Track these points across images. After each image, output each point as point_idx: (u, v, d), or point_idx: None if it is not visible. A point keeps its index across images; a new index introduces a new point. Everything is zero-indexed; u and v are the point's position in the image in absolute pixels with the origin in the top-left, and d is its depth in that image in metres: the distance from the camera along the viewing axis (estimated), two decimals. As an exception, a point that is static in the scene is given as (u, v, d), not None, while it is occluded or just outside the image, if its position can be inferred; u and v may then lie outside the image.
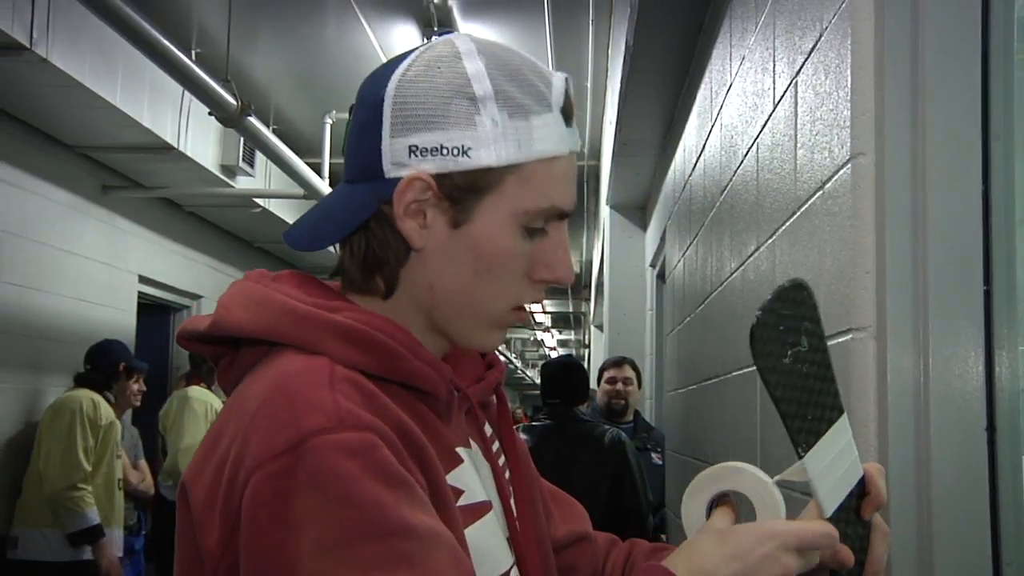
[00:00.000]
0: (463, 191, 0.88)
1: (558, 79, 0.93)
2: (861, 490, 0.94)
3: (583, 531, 1.18)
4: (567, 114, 0.92)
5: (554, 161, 0.91)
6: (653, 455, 4.58)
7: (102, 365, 4.79)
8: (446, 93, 0.88)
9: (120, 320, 6.18)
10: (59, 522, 4.39)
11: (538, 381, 4.44)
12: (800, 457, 0.86)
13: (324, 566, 0.73)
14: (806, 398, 0.87)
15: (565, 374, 4.04)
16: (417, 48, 0.93)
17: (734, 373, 2.46)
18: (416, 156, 0.88)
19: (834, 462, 0.90)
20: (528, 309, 0.99)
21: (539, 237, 0.92)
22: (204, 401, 5.36)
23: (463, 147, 0.87)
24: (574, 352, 23.67)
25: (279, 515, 0.75)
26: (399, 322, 0.90)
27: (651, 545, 1.18)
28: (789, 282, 0.89)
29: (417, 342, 0.89)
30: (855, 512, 0.93)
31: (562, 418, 3.93)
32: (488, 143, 0.87)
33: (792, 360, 0.87)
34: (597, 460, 3.81)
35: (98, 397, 4.65)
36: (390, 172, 0.89)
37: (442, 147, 0.87)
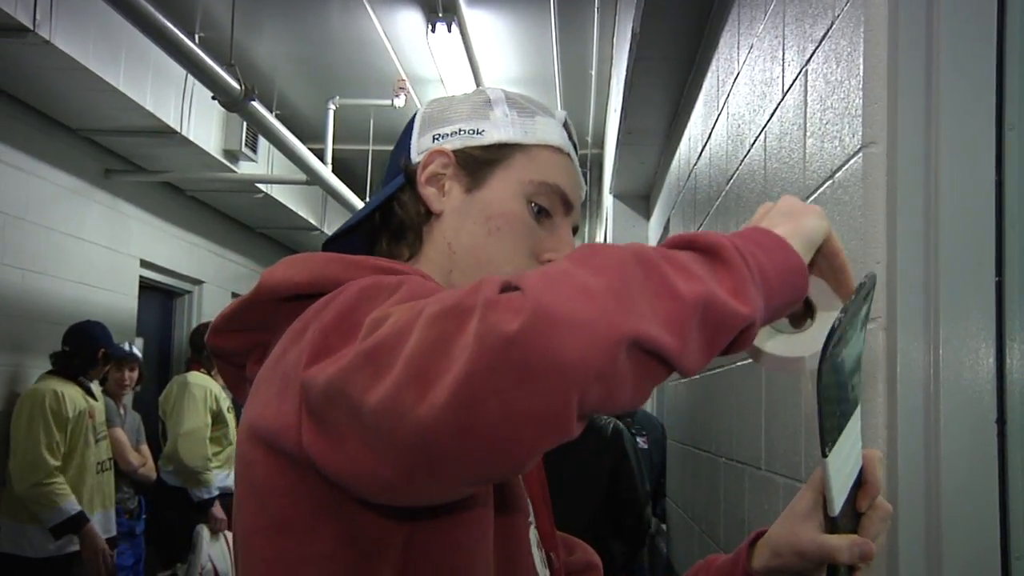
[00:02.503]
0: (477, 161, 1.02)
1: (560, 110, 1.09)
2: (859, 479, 0.93)
3: (595, 561, 1.21)
4: (569, 133, 1.08)
5: (558, 153, 1.05)
6: (638, 439, 4.55)
7: (80, 349, 4.67)
8: (465, 99, 1.07)
9: (122, 304, 6.17)
10: (37, 519, 4.32)
11: None
12: (824, 456, 0.84)
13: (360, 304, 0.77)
14: (841, 395, 0.85)
15: None
16: None
17: (738, 363, 2.45)
18: (439, 140, 1.04)
19: (846, 457, 0.89)
20: None
21: (546, 220, 1.03)
22: (203, 387, 5.33)
23: (478, 128, 1.03)
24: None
25: (316, 308, 0.81)
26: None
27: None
28: (867, 277, 0.87)
29: None
30: (852, 504, 0.92)
31: None
32: (499, 127, 1.03)
33: (842, 359, 0.85)
34: (596, 451, 3.74)
35: (65, 386, 4.51)
36: (417, 158, 1.04)
37: (461, 130, 1.04)
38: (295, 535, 0.80)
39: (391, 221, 1.04)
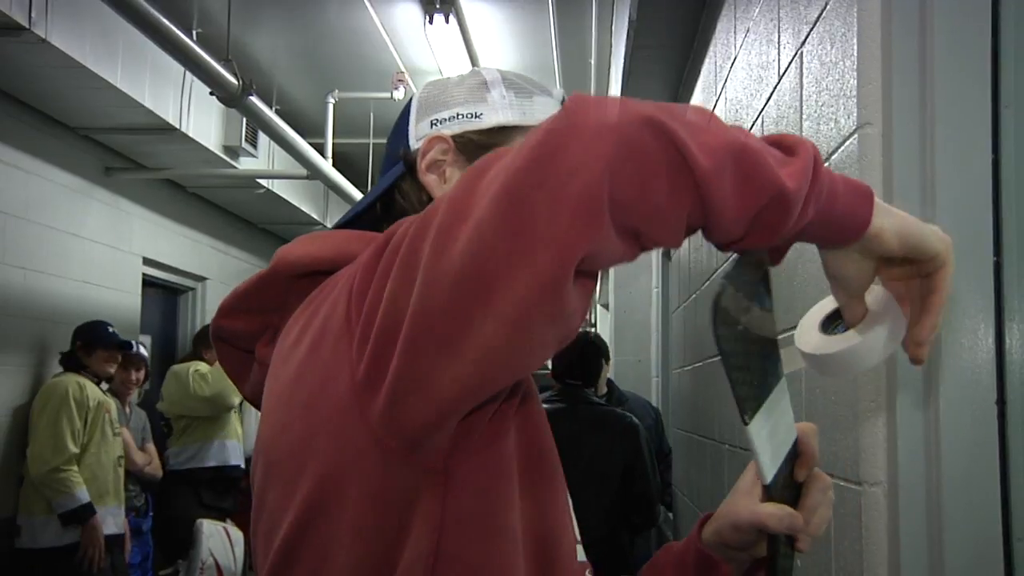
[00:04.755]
0: (477, 146, 1.00)
1: (558, 88, 1.08)
2: (794, 451, 0.93)
3: None
4: None
5: None
6: None
7: (71, 347, 4.82)
8: (461, 82, 1.05)
9: (125, 302, 6.17)
10: (49, 504, 4.42)
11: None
12: (745, 424, 0.85)
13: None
14: (755, 364, 0.87)
15: (582, 354, 3.82)
16: None
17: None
18: (437, 125, 1.03)
19: (774, 427, 0.90)
20: None
21: None
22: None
23: (476, 112, 1.02)
24: (580, 330, 23.64)
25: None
26: None
27: None
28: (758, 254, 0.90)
29: None
30: (790, 475, 0.93)
31: (576, 400, 3.73)
32: (497, 110, 1.02)
33: (745, 328, 0.88)
34: (610, 446, 3.64)
35: (83, 379, 4.66)
36: (416, 145, 1.03)
37: (459, 115, 1.02)
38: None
39: (393, 210, 1.02)
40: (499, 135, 1.01)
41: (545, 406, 3.57)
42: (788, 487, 0.93)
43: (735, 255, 0.86)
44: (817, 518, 0.94)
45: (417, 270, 0.70)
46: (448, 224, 0.68)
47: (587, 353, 3.85)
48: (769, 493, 0.92)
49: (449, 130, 1.02)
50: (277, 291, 0.94)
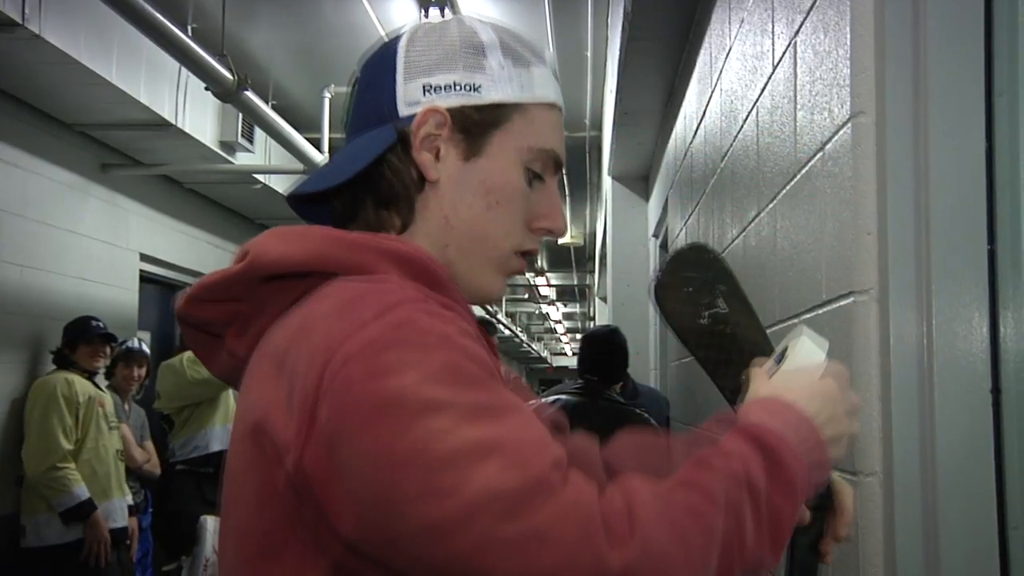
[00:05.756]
0: (475, 124, 0.95)
1: (549, 50, 0.99)
2: (826, 501, 0.97)
3: None
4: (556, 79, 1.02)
5: (551, 109, 0.99)
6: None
7: (61, 345, 4.83)
8: (455, 42, 0.96)
9: (123, 299, 6.17)
10: (48, 504, 4.42)
11: (544, 354, 4.24)
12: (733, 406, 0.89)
13: (428, 401, 0.74)
14: (736, 357, 0.92)
15: (609, 350, 3.71)
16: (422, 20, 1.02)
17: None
18: (431, 93, 0.95)
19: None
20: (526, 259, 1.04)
21: (538, 185, 0.98)
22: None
23: (474, 84, 0.95)
24: (579, 324, 23.63)
25: (374, 366, 0.75)
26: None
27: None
28: (686, 244, 0.93)
29: (453, 277, 0.93)
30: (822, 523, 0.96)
31: (596, 396, 3.61)
32: (496, 82, 0.96)
33: (711, 321, 0.92)
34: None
35: (72, 375, 4.66)
36: (405, 111, 0.95)
37: (455, 84, 0.95)
38: (280, 560, 0.80)
39: (379, 185, 0.96)
40: (497, 112, 0.95)
41: (564, 398, 3.48)
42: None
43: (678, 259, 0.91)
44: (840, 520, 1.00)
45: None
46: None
47: (612, 350, 3.76)
48: None
49: (445, 101, 0.94)
50: (247, 285, 0.90)
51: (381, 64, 0.98)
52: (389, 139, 0.95)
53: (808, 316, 1.67)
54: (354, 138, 0.99)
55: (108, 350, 4.94)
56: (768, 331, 1.97)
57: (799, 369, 0.91)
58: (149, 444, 5.32)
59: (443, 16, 5.33)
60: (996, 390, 1.31)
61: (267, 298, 0.90)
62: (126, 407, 5.20)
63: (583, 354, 3.73)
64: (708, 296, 0.93)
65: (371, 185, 0.96)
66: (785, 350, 0.94)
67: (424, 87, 0.95)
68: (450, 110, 0.94)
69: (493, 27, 0.99)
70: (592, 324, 16.38)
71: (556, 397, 3.60)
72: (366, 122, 0.98)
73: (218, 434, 5.43)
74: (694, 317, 0.93)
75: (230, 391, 5.54)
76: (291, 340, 0.82)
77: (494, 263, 0.98)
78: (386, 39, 1.02)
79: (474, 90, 0.95)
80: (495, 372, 0.82)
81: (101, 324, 4.91)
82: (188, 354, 5.34)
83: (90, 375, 4.78)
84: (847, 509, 1.00)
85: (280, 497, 0.79)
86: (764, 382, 0.94)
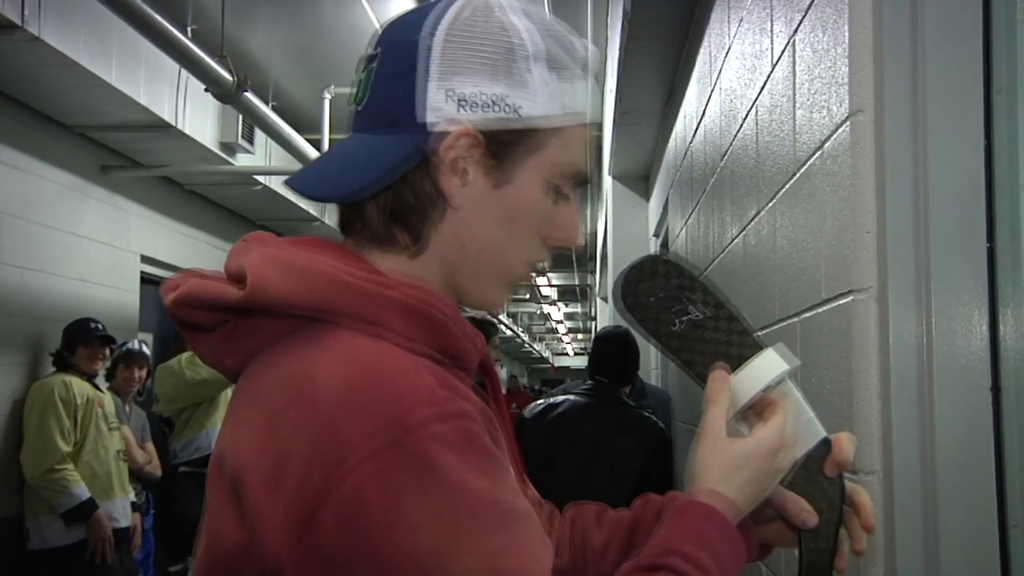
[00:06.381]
0: (508, 149, 0.87)
1: (591, 47, 0.93)
2: (827, 450, 0.96)
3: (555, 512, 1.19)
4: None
5: (584, 125, 0.92)
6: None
7: (61, 346, 4.83)
8: (497, 46, 0.86)
9: (123, 300, 6.17)
10: (50, 506, 4.43)
11: (546, 354, 4.21)
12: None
13: (448, 559, 0.72)
14: (711, 353, 0.94)
15: (621, 352, 3.68)
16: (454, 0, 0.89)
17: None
18: (465, 109, 0.85)
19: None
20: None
21: (563, 202, 0.93)
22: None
23: (515, 105, 0.86)
24: (580, 324, 23.63)
25: (391, 513, 0.72)
26: (427, 281, 0.87)
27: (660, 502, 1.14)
28: (641, 257, 0.95)
29: (459, 314, 0.87)
30: (818, 471, 0.95)
31: (605, 398, 3.58)
32: (537, 102, 0.86)
33: (689, 327, 0.94)
34: (632, 448, 3.49)
35: (70, 377, 4.66)
36: (428, 116, 0.85)
37: (493, 102, 0.85)
38: None
39: (393, 198, 0.87)
40: (533, 137, 0.87)
41: (573, 398, 3.46)
42: (816, 482, 0.95)
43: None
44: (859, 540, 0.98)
45: None
46: None
47: (624, 352, 3.72)
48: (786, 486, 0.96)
49: (479, 121, 0.85)
50: (241, 309, 0.84)
51: (408, 50, 0.87)
52: (411, 156, 0.86)
53: (808, 315, 1.67)
54: (365, 132, 0.89)
55: (107, 352, 4.93)
56: (767, 330, 1.97)
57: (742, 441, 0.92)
58: (150, 446, 5.32)
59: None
60: (996, 388, 1.31)
61: (261, 322, 0.84)
62: (127, 409, 5.20)
63: (594, 355, 3.71)
64: (679, 304, 0.96)
65: (384, 195, 0.87)
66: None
67: (456, 97, 0.85)
68: (483, 132, 0.86)
69: (541, 28, 0.89)
70: (594, 324, 16.37)
71: (565, 398, 3.59)
72: (382, 118, 0.88)
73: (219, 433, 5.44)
74: (667, 324, 0.94)
75: (230, 390, 5.55)
76: (287, 401, 0.77)
77: (503, 280, 0.93)
78: (418, 6, 0.93)
79: (514, 111, 0.86)
80: (503, 462, 0.80)
81: (100, 326, 4.91)
82: (185, 355, 5.35)
83: (89, 377, 4.79)
84: (866, 506, 0.98)
85: (244, 563, 0.77)
86: (708, 448, 0.93)
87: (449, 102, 0.85)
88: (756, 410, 0.96)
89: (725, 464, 0.90)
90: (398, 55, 0.88)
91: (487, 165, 0.87)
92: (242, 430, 0.80)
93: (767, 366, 0.94)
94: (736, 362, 0.95)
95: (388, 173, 0.85)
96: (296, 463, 0.74)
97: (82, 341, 4.81)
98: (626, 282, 0.96)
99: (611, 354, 3.68)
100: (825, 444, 0.96)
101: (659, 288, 0.96)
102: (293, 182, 0.90)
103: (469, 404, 0.79)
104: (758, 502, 0.92)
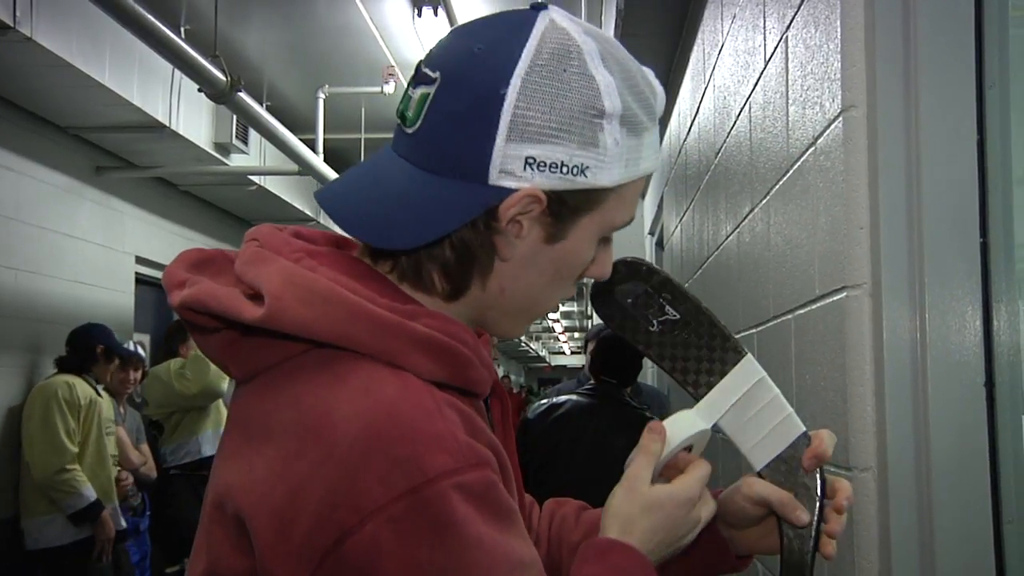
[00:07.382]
0: (568, 209, 0.84)
1: (660, 88, 0.90)
2: (807, 445, 0.98)
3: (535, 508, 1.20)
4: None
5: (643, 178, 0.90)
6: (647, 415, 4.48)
7: (79, 348, 4.76)
8: (576, 103, 0.81)
9: (118, 301, 6.16)
10: (57, 506, 4.42)
11: (543, 353, 4.19)
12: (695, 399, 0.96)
13: None
14: (693, 356, 0.98)
15: (627, 354, 3.62)
16: (528, 33, 0.82)
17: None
18: (532, 168, 0.81)
19: (749, 418, 0.98)
20: None
21: (603, 245, 0.91)
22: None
23: (582, 166, 0.82)
24: (577, 323, 23.65)
25: (405, 564, 0.71)
26: (455, 316, 0.86)
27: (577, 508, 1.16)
28: (616, 259, 0.96)
29: (478, 342, 0.86)
30: (798, 465, 0.97)
31: (607, 398, 3.57)
32: (604, 165, 0.83)
33: (667, 328, 0.97)
34: (632, 448, 3.49)
35: (74, 379, 4.64)
36: (496, 179, 0.81)
37: (563, 163, 0.81)
38: None
39: (443, 255, 0.84)
40: (594, 196, 0.84)
41: (575, 399, 3.47)
42: (796, 474, 0.97)
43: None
44: (833, 521, 0.99)
45: None
46: None
47: (628, 353, 3.67)
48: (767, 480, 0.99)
49: (546, 182, 0.81)
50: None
51: (478, 96, 0.81)
52: (472, 211, 0.82)
53: (802, 311, 1.67)
54: (423, 169, 0.83)
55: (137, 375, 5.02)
56: (761, 327, 1.97)
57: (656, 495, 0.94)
58: (145, 447, 5.31)
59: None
60: (990, 383, 1.31)
61: (275, 341, 0.81)
62: (121, 410, 5.19)
63: (599, 356, 3.68)
64: (654, 305, 0.99)
65: (433, 246, 0.84)
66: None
67: (528, 161, 0.80)
68: (547, 191, 0.82)
69: (621, 82, 0.84)
70: (589, 323, 16.36)
71: (567, 398, 3.58)
72: (445, 161, 0.82)
73: (209, 439, 5.45)
74: (645, 325, 0.97)
75: (220, 400, 5.56)
76: (303, 436, 0.75)
77: (532, 317, 0.93)
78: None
79: (581, 172, 0.82)
80: (514, 508, 0.80)
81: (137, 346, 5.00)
82: (175, 363, 5.37)
83: (95, 382, 4.76)
84: (844, 490, 0.99)
85: None
86: (624, 490, 0.95)
87: (518, 161, 0.81)
88: (679, 466, 0.99)
89: (636, 507, 0.93)
90: (466, 98, 0.82)
91: (544, 222, 0.84)
92: (252, 463, 0.78)
93: (692, 421, 0.98)
94: (711, 365, 0.98)
95: (450, 225, 0.82)
96: (310, 505, 0.72)
97: (119, 353, 4.84)
98: (603, 286, 1.00)
99: (617, 355, 3.62)
100: (805, 439, 0.98)
101: (633, 291, 0.98)
102: (341, 220, 0.85)
103: (486, 447, 0.79)
104: (672, 550, 0.94)
